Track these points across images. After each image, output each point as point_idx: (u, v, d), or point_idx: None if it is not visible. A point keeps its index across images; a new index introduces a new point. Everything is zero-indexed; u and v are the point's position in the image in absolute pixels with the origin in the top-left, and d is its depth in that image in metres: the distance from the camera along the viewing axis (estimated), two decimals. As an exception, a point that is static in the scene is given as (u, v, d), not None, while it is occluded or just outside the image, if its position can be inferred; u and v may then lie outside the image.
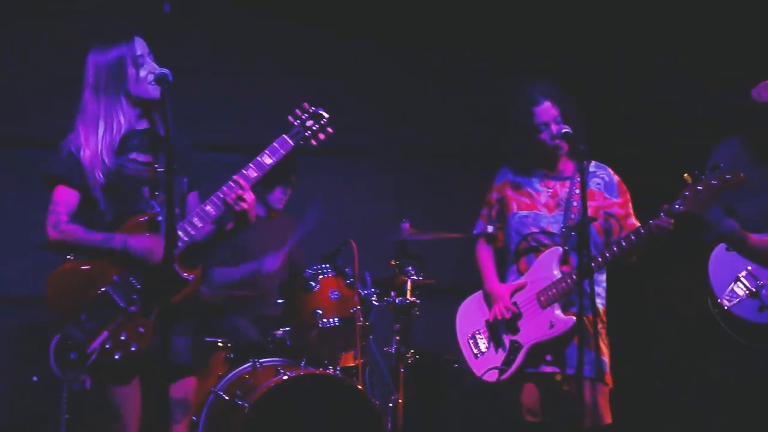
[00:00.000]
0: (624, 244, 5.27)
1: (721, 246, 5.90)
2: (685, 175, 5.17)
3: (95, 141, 4.66)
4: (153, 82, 4.62)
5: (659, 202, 5.29)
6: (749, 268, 5.87)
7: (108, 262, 4.59)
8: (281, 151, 4.73)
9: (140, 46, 4.73)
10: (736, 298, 5.86)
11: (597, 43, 8.13)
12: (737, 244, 5.89)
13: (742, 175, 5.15)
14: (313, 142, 4.83)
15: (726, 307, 5.81)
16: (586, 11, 8.10)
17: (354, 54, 8.16)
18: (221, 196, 4.64)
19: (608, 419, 5.43)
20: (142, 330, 4.56)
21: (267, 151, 4.72)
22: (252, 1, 7.95)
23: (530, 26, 8.24)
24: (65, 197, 4.70)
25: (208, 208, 4.65)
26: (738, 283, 5.87)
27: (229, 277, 6.83)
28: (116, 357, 4.54)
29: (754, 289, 5.82)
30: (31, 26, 7.49)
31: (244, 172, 4.67)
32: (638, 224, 5.46)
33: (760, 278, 5.85)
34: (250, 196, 4.65)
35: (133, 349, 4.55)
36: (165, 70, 4.60)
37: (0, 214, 7.43)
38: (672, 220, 5.19)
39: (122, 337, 4.54)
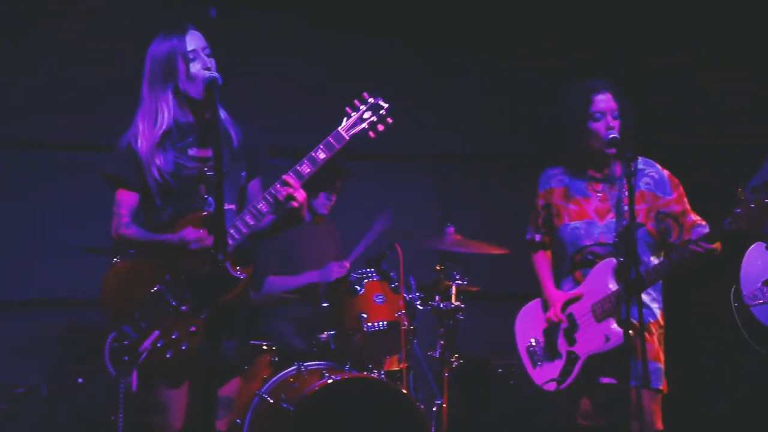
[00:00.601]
0: (666, 264, 5.23)
1: (762, 244, 5.84)
2: (738, 190, 5.07)
3: (150, 134, 4.69)
4: (202, 83, 4.63)
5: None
6: None
7: (160, 262, 4.63)
8: (336, 145, 4.67)
9: (194, 41, 4.72)
10: (759, 300, 5.81)
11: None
12: None
13: None
14: (371, 134, 4.74)
15: (746, 305, 5.77)
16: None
17: (400, 57, 8.17)
18: (273, 193, 4.62)
19: (659, 425, 5.39)
20: (193, 329, 4.58)
21: (321, 146, 4.66)
22: (299, 5, 7.97)
23: (585, 26, 8.21)
24: (126, 198, 4.75)
25: (260, 205, 4.64)
26: (766, 286, 5.82)
27: (283, 286, 6.83)
28: (167, 356, 4.57)
29: None
30: (70, 27, 7.53)
31: (298, 168, 4.63)
32: (697, 219, 5.41)
33: None
34: (300, 194, 4.62)
35: (183, 347, 4.58)
36: (215, 75, 4.63)
37: (45, 217, 7.46)
38: (712, 246, 5.14)
39: (173, 336, 4.57)
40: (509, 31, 8.32)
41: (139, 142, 4.70)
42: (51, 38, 7.48)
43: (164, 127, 4.71)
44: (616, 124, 5.36)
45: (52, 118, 7.42)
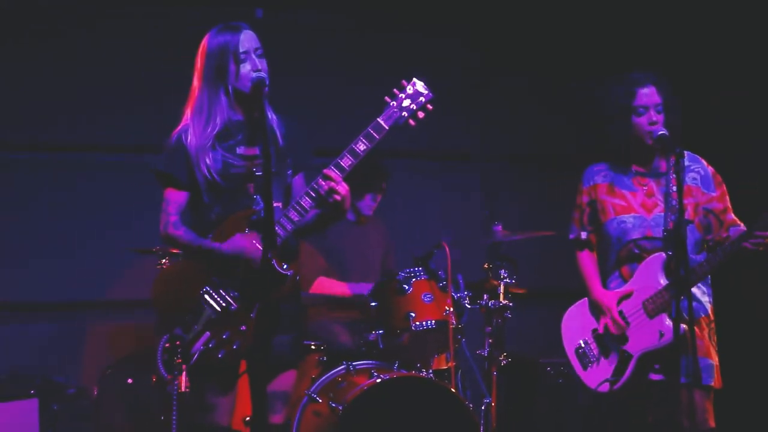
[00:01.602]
0: (713, 262, 5.20)
1: None
2: None
3: (201, 131, 4.72)
4: (250, 83, 4.64)
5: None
6: None
7: (207, 263, 4.65)
8: (376, 135, 4.65)
9: (248, 41, 4.72)
10: None
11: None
12: None
13: None
14: (411, 122, 4.71)
15: None
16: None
17: (444, 55, 8.16)
18: (315, 188, 4.62)
19: (711, 423, 5.34)
20: (243, 328, 4.60)
21: (362, 137, 4.65)
22: (340, 5, 7.99)
23: (626, 25, 8.17)
24: (175, 197, 4.78)
25: (304, 201, 4.64)
26: None
27: (333, 291, 6.84)
28: (219, 356, 4.59)
29: None
30: (110, 28, 7.59)
31: (339, 161, 4.62)
32: (736, 219, 5.37)
33: None
34: (343, 187, 4.62)
35: (235, 347, 4.60)
36: (262, 75, 4.65)
37: (95, 220, 7.52)
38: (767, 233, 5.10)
39: (224, 336, 4.59)
40: (557, 31, 8.29)
41: (190, 138, 4.72)
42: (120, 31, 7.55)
43: (217, 128, 4.73)
44: (660, 118, 5.32)
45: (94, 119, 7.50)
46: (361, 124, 4.71)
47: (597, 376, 5.47)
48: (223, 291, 4.63)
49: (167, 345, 4.55)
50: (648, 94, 5.36)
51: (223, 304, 4.62)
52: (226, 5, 7.42)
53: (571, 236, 5.70)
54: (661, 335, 5.28)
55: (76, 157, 7.62)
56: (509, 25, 8.26)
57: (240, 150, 4.76)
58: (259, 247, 4.55)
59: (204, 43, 4.79)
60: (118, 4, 7.57)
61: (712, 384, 5.32)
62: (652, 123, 5.32)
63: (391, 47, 8.08)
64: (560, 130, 8.31)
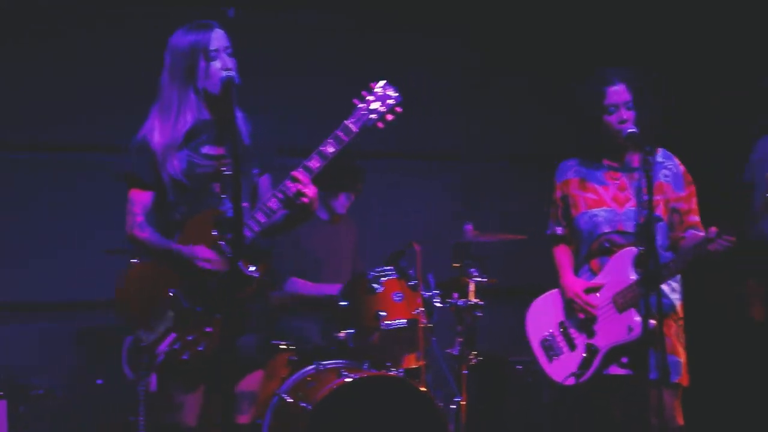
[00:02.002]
0: (678, 263, 5.21)
1: None
2: (767, 175, 5.02)
3: (168, 129, 4.69)
4: (219, 82, 4.62)
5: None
6: None
7: (173, 267, 4.63)
8: (345, 138, 4.62)
9: (218, 40, 4.69)
10: None
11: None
12: None
13: None
14: (380, 124, 4.68)
15: None
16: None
17: (417, 56, 8.15)
18: (283, 189, 4.59)
19: (680, 421, 5.35)
20: (209, 329, 4.58)
21: (330, 140, 4.62)
22: (315, 2, 7.98)
23: (604, 27, 8.19)
24: (140, 197, 4.74)
25: (271, 203, 4.61)
26: None
27: (304, 291, 6.83)
28: (184, 357, 4.57)
29: None
30: (94, 30, 7.56)
31: (307, 163, 4.59)
32: (697, 222, 5.38)
33: None
34: (311, 189, 4.59)
35: (200, 348, 4.58)
36: (231, 74, 4.61)
37: (61, 219, 7.48)
38: (733, 238, 5.09)
39: (190, 338, 4.57)
40: (536, 34, 8.30)
41: (155, 137, 4.69)
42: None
43: (188, 126, 4.71)
44: (630, 115, 5.31)
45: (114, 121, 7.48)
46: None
47: (563, 369, 5.46)
48: (190, 292, 4.61)
49: (132, 346, 4.53)
50: (617, 92, 5.36)
51: (189, 306, 4.59)
52: (225, 5, 7.44)
53: (548, 232, 5.70)
54: (630, 330, 5.28)
55: (76, 157, 7.59)
56: (488, 24, 8.25)
57: (205, 149, 4.73)
58: (217, 261, 4.56)
59: (173, 40, 4.75)
60: (118, 4, 7.55)
61: (679, 381, 5.33)
62: (622, 121, 5.31)
63: (362, 46, 8.07)
64: (539, 132, 8.30)
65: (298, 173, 4.59)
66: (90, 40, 7.50)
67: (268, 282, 4.85)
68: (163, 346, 4.54)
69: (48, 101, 7.42)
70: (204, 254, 4.60)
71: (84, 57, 7.49)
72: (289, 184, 4.59)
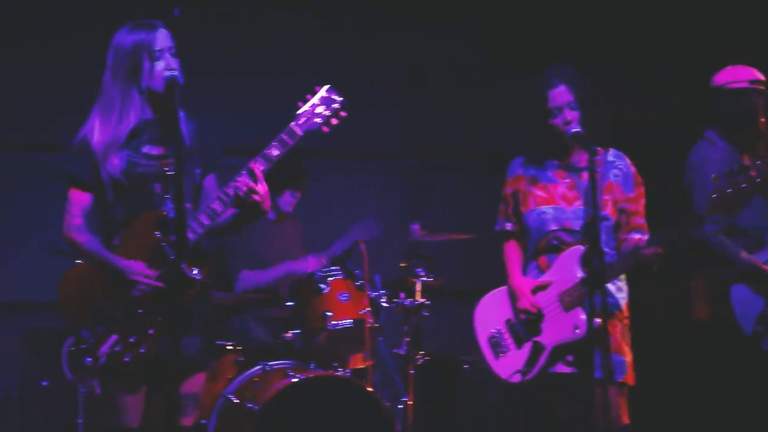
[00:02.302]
0: (620, 264, 5.25)
1: (741, 286, 5.85)
2: (713, 176, 5.04)
3: (109, 129, 4.65)
4: (163, 81, 4.60)
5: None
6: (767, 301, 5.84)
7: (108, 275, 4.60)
8: (289, 141, 4.62)
9: (162, 39, 4.66)
10: (763, 333, 5.81)
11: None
12: (756, 279, 5.83)
13: None
14: (325, 128, 4.69)
15: (754, 342, 5.78)
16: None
17: (362, 53, 8.15)
18: (234, 186, 4.56)
19: (625, 420, 5.38)
20: (151, 332, 4.55)
21: (275, 143, 4.61)
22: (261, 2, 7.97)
23: (547, 24, 8.22)
24: (79, 198, 4.70)
25: (215, 205, 4.59)
26: (762, 317, 5.81)
27: (259, 280, 6.81)
28: (126, 359, 4.53)
29: None
30: (94, 30, 7.51)
31: (251, 166, 4.57)
32: (642, 225, 5.42)
33: None
34: (262, 187, 4.58)
35: (142, 350, 4.54)
36: (175, 74, 4.59)
37: (6, 220, 7.43)
38: (659, 250, 5.15)
39: (132, 339, 4.54)
40: (477, 30, 8.31)
41: (96, 136, 4.65)
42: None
43: (131, 125, 4.67)
44: (574, 116, 5.32)
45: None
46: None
47: (509, 366, 5.47)
48: (132, 293, 4.57)
49: (73, 347, 4.50)
50: (560, 93, 5.36)
51: (131, 307, 4.56)
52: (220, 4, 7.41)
53: (497, 228, 5.68)
54: (576, 328, 5.30)
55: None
56: (435, 21, 8.26)
57: (146, 149, 4.69)
58: (150, 281, 4.54)
59: (116, 39, 4.72)
60: (118, 4, 7.49)
61: (624, 380, 5.35)
62: (567, 123, 5.33)
63: (307, 43, 8.06)
64: (485, 130, 8.32)
65: (242, 177, 4.57)
66: (90, 40, 7.43)
67: (211, 284, 4.82)
68: (105, 348, 4.51)
69: (48, 101, 7.36)
70: (139, 270, 4.57)
71: (84, 57, 7.43)
72: (238, 184, 4.57)
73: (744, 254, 5.77)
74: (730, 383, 6.05)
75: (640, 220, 5.45)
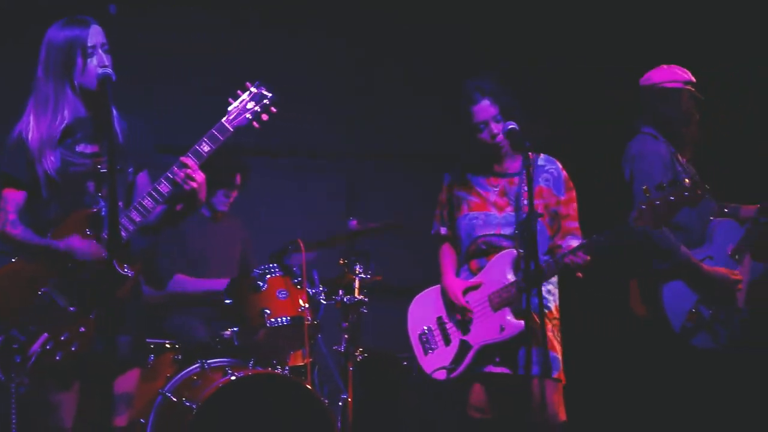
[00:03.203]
0: (559, 264, 5.28)
1: (676, 282, 5.93)
2: (644, 188, 5.11)
3: (44, 125, 4.63)
4: (96, 78, 4.57)
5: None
6: (701, 297, 5.92)
7: (47, 264, 4.56)
8: (220, 137, 4.64)
9: (95, 36, 4.65)
10: (692, 329, 5.90)
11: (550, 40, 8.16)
12: (692, 275, 5.90)
13: (700, 192, 5.04)
14: (255, 124, 4.72)
15: (683, 339, 5.87)
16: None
17: (303, 53, 8.14)
18: (165, 187, 4.57)
19: (562, 416, 5.43)
20: (83, 329, 4.53)
21: (205, 138, 4.63)
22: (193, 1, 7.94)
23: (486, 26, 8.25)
24: (13, 196, 4.67)
25: (146, 202, 4.59)
26: (692, 313, 5.90)
27: (190, 287, 6.77)
28: (57, 357, 4.51)
29: (708, 319, 5.89)
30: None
31: (182, 159, 4.59)
32: (575, 229, 5.47)
33: (713, 307, 5.90)
34: (200, 175, 4.59)
35: (73, 348, 4.52)
36: (108, 71, 4.59)
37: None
38: (588, 257, 5.20)
39: (63, 338, 4.52)
40: (426, 27, 8.33)
41: (32, 133, 4.64)
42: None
43: (66, 122, 4.65)
44: (500, 128, 5.41)
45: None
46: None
47: (435, 362, 5.55)
48: (62, 292, 4.55)
49: (3, 346, 4.47)
50: (483, 108, 5.46)
51: (62, 306, 4.54)
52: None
53: (432, 232, 5.78)
54: (502, 329, 5.37)
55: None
56: (376, 23, 8.27)
57: (79, 148, 4.68)
58: (94, 251, 4.51)
59: (49, 34, 4.71)
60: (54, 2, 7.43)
61: (558, 376, 5.41)
62: (494, 136, 5.42)
63: (248, 43, 8.03)
64: (427, 131, 8.33)
65: (185, 159, 4.59)
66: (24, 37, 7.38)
67: (143, 282, 4.81)
68: (36, 347, 4.48)
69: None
70: (79, 245, 4.55)
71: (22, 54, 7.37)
72: (176, 170, 4.58)
73: (684, 248, 5.83)
74: (661, 380, 6.12)
75: (573, 224, 5.52)
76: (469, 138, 5.51)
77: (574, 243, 5.35)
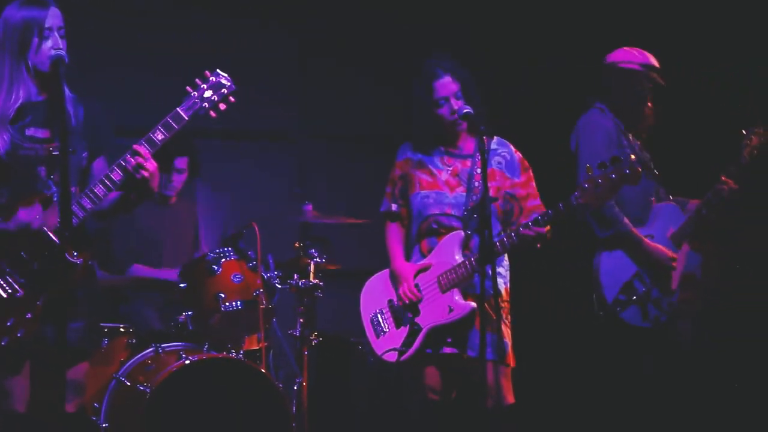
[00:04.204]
0: (514, 238, 5.29)
1: (615, 252, 6.01)
2: (587, 165, 5.15)
3: (1, 102, 4.59)
4: (48, 60, 4.54)
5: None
6: (637, 271, 6.01)
7: None
8: (175, 125, 4.60)
9: (53, 18, 4.61)
10: (624, 302, 5.99)
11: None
12: (632, 246, 5.99)
13: (640, 170, 5.08)
14: (213, 113, 4.67)
15: (614, 311, 5.95)
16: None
17: (256, 35, 8.11)
18: (117, 174, 4.53)
19: (511, 399, 5.46)
20: (29, 316, 4.49)
21: (160, 126, 4.59)
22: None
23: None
24: None
25: (97, 189, 4.55)
26: (627, 286, 6.00)
27: (146, 276, 6.74)
28: (2, 343, 4.48)
29: (641, 294, 5.98)
30: None
31: (135, 147, 4.55)
32: (538, 206, 5.49)
33: (647, 283, 6.00)
34: (152, 164, 4.55)
35: (19, 334, 4.49)
36: (61, 53, 4.55)
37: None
38: (543, 229, 5.22)
39: (8, 323, 4.48)
40: (373, 9, 8.31)
41: None
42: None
43: (20, 101, 4.61)
44: (459, 104, 5.41)
45: None
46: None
47: (386, 344, 5.55)
48: (9, 277, 4.51)
49: None
50: (444, 84, 5.46)
51: (9, 291, 4.50)
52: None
53: (382, 209, 5.75)
54: (450, 310, 5.38)
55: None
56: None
57: (29, 132, 4.64)
58: (42, 219, 4.49)
59: (7, 13, 4.65)
60: None
61: (507, 361, 5.43)
62: (453, 112, 5.42)
63: (201, 26, 7.99)
64: (379, 112, 8.32)
65: (138, 147, 4.54)
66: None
67: (93, 268, 4.77)
68: None
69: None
70: (26, 216, 4.53)
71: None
72: (129, 158, 4.54)
73: (626, 220, 5.93)
74: (596, 358, 6.22)
75: (535, 202, 5.54)
76: (425, 116, 5.49)
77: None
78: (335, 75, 8.38)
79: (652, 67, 6.14)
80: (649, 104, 6.16)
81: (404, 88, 5.71)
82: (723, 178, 6.09)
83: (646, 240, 5.99)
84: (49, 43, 4.59)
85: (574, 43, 7.86)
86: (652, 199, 6.15)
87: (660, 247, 6.00)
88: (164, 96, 4.87)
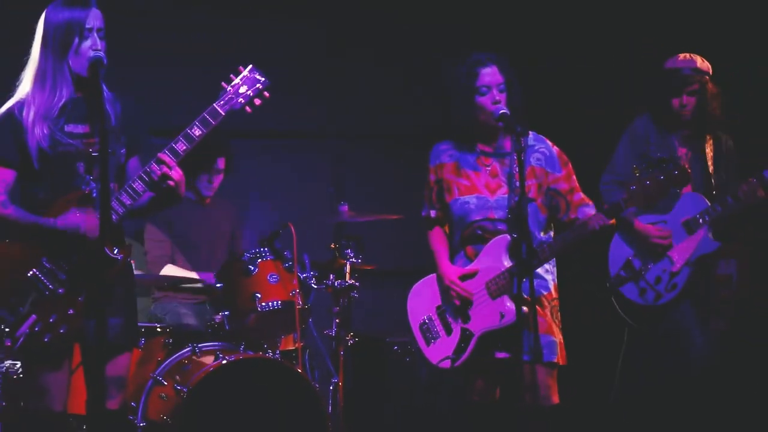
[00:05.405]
0: (560, 243, 5.29)
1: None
2: (633, 167, 5.13)
3: (41, 101, 4.61)
4: (87, 61, 4.57)
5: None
6: (636, 251, 6.22)
7: (36, 245, 4.55)
8: (212, 121, 4.61)
9: (94, 18, 4.62)
10: (623, 279, 6.23)
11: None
12: (625, 229, 6.22)
13: (689, 170, 5.09)
14: (248, 109, 4.68)
15: (615, 286, 6.18)
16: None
17: (291, 36, 8.11)
18: (148, 171, 4.56)
19: (555, 399, 5.42)
20: (71, 312, 4.52)
21: (197, 122, 4.60)
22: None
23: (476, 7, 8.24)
24: (2, 175, 4.64)
25: (136, 185, 4.58)
26: (626, 264, 6.19)
27: (179, 277, 6.76)
28: (45, 339, 4.50)
29: (637, 272, 6.20)
30: None
31: (173, 145, 4.56)
32: (585, 198, 5.46)
33: (642, 262, 6.20)
34: (176, 173, 4.56)
35: (62, 331, 4.51)
36: (100, 54, 4.56)
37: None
38: (613, 220, 5.24)
39: (51, 320, 4.50)
40: (403, 8, 8.31)
41: (26, 110, 4.61)
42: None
43: (64, 99, 4.63)
44: (502, 97, 5.34)
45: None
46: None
47: (439, 352, 5.51)
48: (52, 273, 4.54)
49: None
50: (490, 73, 5.39)
51: (51, 287, 4.52)
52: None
53: (423, 213, 5.71)
54: (502, 316, 5.34)
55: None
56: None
57: (68, 128, 4.65)
58: (82, 215, 4.52)
59: (50, 12, 4.67)
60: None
61: (555, 360, 5.40)
62: (495, 102, 5.34)
63: (231, 27, 8.01)
64: (409, 109, 8.31)
65: (163, 155, 4.56)
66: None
67: (131, 265, 4.80)
68: (24, 328, 4.47)
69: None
70: (80, 220, 4.54)
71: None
72: (155, 166, 4.56)
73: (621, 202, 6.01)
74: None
75: (580, 195, 5.50)
76: (465, 104, 5.44)
77: (590, 210, 5.36)
78: (367, 74, 8.37)
79: (705, 72, 6.24)
80: (683, 99, 6.21)
81: (435, 85, 5.68)
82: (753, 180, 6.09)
83: (636, 221, 6.18)
84: (88, 43, 4.61)
85: (574, 43, 7.84)
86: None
87: (648, 226, 6.18)
88: (197, 96, 4.89)
